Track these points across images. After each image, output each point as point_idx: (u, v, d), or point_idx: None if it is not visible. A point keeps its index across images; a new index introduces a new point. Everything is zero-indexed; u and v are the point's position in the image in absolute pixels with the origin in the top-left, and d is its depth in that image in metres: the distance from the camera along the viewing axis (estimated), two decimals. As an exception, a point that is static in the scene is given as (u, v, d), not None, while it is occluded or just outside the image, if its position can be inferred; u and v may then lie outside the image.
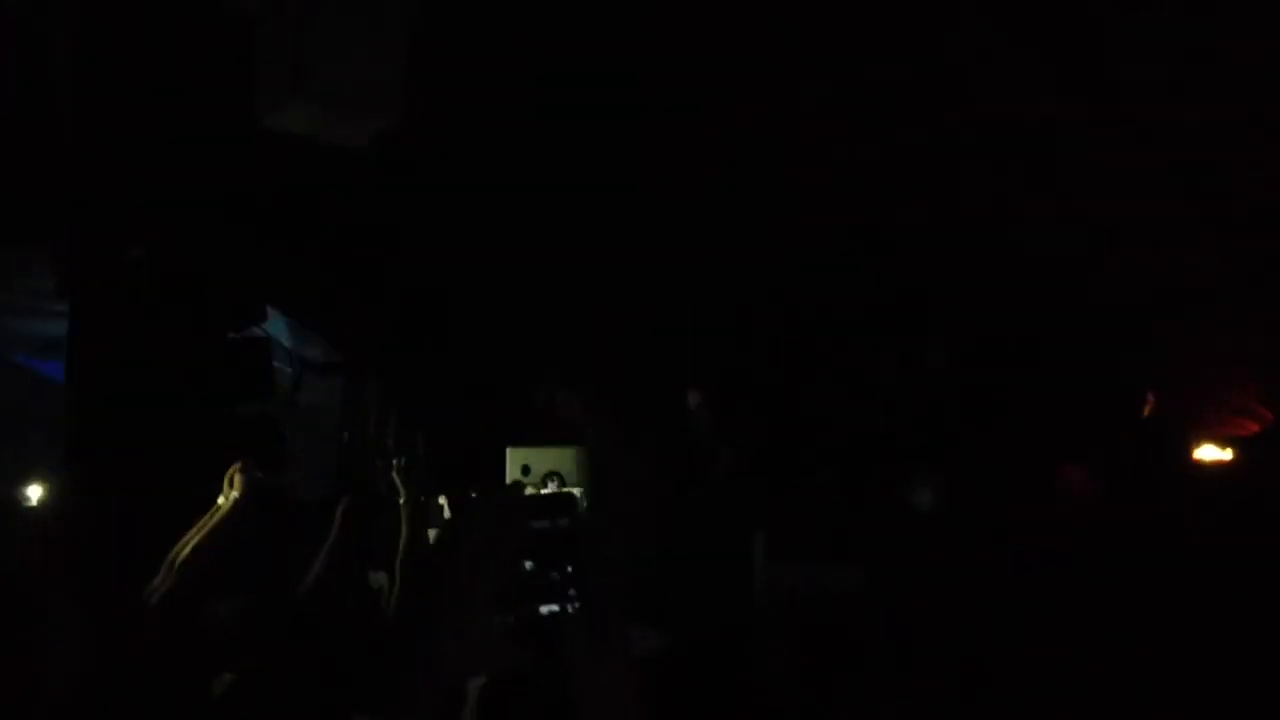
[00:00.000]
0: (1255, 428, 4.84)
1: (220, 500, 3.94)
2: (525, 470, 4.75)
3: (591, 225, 6.99)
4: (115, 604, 3.03)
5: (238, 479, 3.92)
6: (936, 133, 5.23)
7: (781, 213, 6.11)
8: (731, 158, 6.08)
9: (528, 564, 1.13)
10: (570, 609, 1.12)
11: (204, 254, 6.79)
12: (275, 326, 7.72)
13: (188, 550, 3.82)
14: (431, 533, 4.01)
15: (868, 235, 5.88)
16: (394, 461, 4.24)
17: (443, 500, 4.20)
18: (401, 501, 4.07)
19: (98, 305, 6.17)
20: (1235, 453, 4.77)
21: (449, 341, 8.28)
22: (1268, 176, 4.55)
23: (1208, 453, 5.12)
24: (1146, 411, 4.67)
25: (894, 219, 5.71)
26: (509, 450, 4.90)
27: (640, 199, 6.64)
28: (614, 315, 7.06)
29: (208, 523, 3.90)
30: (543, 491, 1.13)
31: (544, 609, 1.12)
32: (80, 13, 5.57)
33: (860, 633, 4.09)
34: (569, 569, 1.14)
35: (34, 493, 6.97)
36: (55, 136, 5.92)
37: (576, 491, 4.31)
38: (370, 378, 8.44)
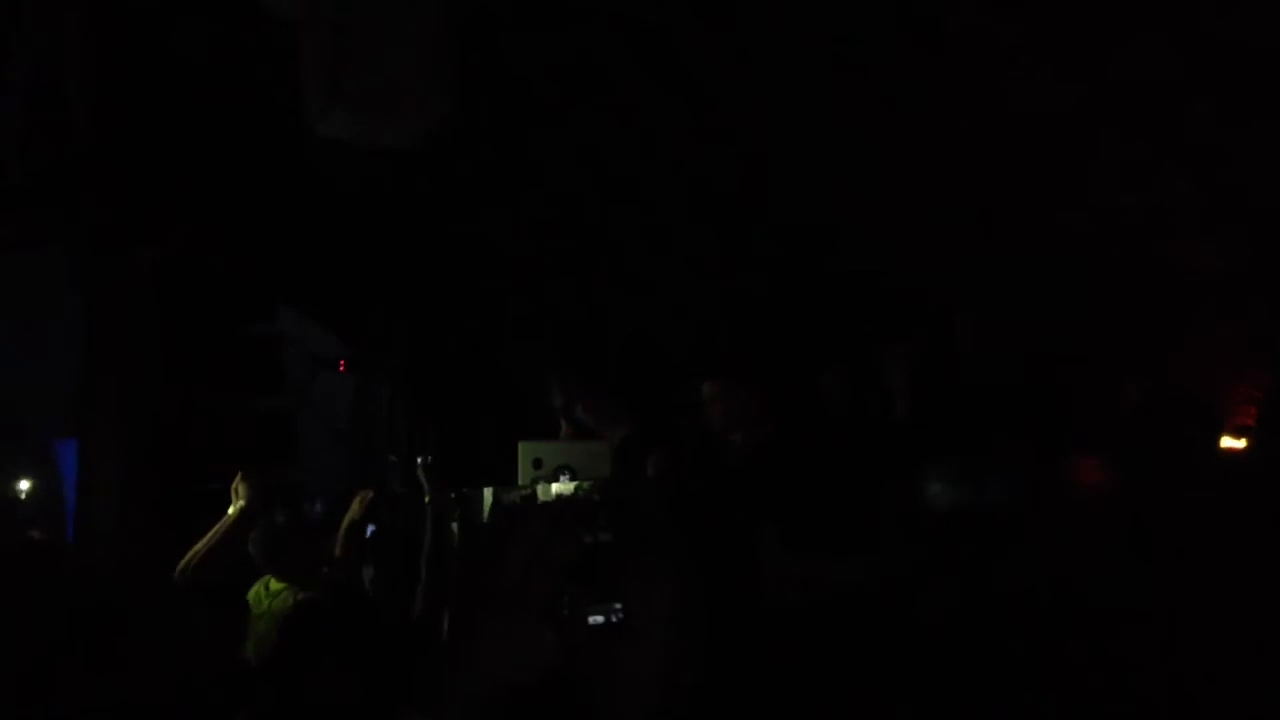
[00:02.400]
0: (1266, 417, 4.85)
1: (230, 510, 3.99)
2: (537, 464, 4.73)
3: (602, 219, 7.00)
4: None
5: (242, 487, 3.98)
6: (942, 123, 5.23)
7: (797, 201, 6.12)
8: (745, 149, 6.09)
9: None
10: (614, 619, 1.15)
11: (217, 252, 6.85)
12: (288, 322, 7.76)
13: (197, 559, 3.87)
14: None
15: (879, 226, 5.88)
16: (419, 460, 4.26)
17: (488, 492, 4.24)
18: (427, 499, 4.08)
19: (111, 303, 6.22)
20: (1248, 442, 4.77)
21: (462, 338, 8.31)
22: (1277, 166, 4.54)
23: (1222, 442, 5.11)
24: (1125, 400, 4.65)
25: (903, 210, 5.72)
26: (521, 444, 4.88)
27: (652, 194, 6.65)
28: (628, 306, 7.08)
29: (218, 531, 3.95)
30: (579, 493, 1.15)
31: (591, 619, 1.15)
32: (96, 18, 5.61)
33: (874, 626, 4.07)
34: (604, 580, 1.17)
35: (24, 485, 7.02)
36: (70, 137, 5.97)
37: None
38: (382, 374, 8.47)
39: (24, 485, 6.98)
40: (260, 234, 7.08)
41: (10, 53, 5.81)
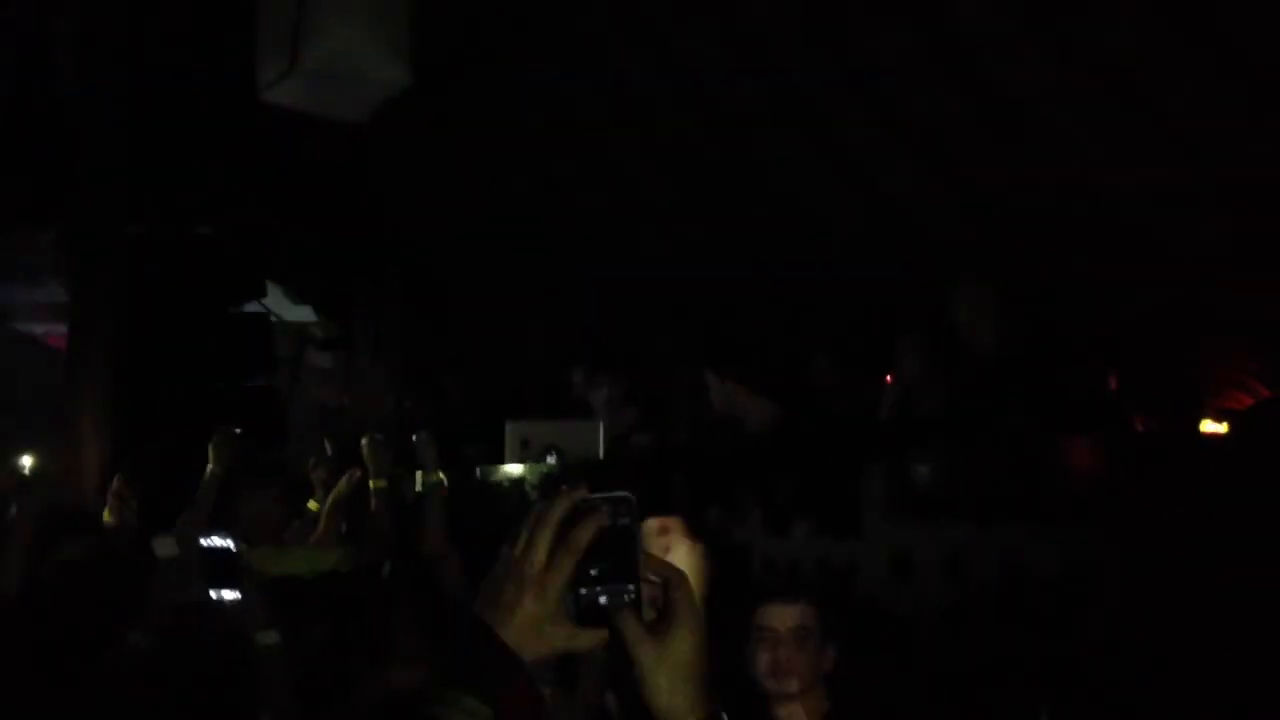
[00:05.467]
0: (1250, 401, 4.87)
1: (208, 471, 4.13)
2: (525, 444, 4.75)
3: (593, 199, 6.98)
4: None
5: (212, 450, 4.12)
6: (939, 105, 5.22)
7: (794, 191, 6.11)
8: (741, 131, 6.08)
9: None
10: (628, 598, 1.23)
11: (204, 230, 6.83)
12: (277, 301, 7.74)
13: (185, 521, 3.95)
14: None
15: (873, 215, 5.88)
16: (415, 436, 4.27)
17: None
18: (425, 476, 4.09)
19: (98, 281, 6.19)
20: (1232, 427, 4.79)
21: (448, 316, 8.30)
22: (1269, 149, 4.54)
23: (1207, 426, 5.13)
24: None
25: (898, 193, 5.71)
26: (508, 424, 4.89)
27: (646, 171, 6.63)
28: (620, 291, 7.06)
29: (201, 492, 4.09)
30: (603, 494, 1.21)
31: (602, 599, 1.24)
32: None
33: (861, 607, 4.10)
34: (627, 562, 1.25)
35: (27, 461, 7.06)
36: (57, 116, 5.93)
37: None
38: (370, 352, 8.46)
39: (26, 460, 7.06)
40: (248, 213, 7.07)
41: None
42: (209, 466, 4.12)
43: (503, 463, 4.93)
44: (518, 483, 4.76)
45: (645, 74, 6.12)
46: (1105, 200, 5.03)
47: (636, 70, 6.15)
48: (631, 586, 1.19)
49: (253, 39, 4.60)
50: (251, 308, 7.04)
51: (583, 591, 1.18)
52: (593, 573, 1.18)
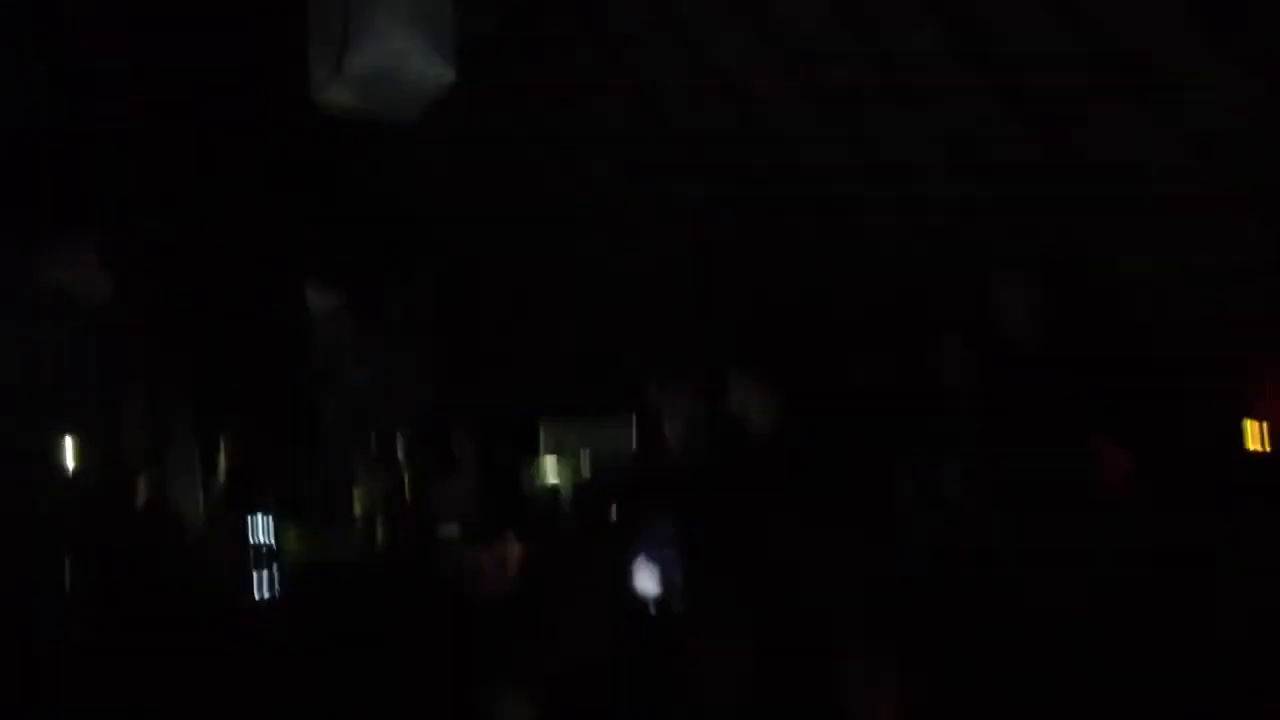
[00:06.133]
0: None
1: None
2: (558, 442, 4.78)
3: (626, 195, 7.01)
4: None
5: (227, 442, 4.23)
6: (973, 103, 5.22)
7: (827, 187, 6.12)
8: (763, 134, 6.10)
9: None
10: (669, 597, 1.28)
11: (240, 232, 6.91)
12: (314, 299, 7.81)
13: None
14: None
15: (908, 211, 5.88)
16: (449, 433, 4.32)
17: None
18: (460, 472, 4.14)
19: (137, 282, 6.28)
20: (1267, 432, 4.75)
21: (482, 313, 8.34)
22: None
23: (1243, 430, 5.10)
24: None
25: (934, 190, 5.70)
26: (542, 422, 4.93)
27: (678, 168, 6.65)
28: (651, 294, 7.09)
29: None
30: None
31: (641, 595, 1.28)
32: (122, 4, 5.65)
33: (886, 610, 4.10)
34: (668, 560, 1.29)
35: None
36: (98, 119, 6.01)
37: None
38: (403, 347, 8.53)
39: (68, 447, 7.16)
40: (280, 209, 7.14)
41: (39, 32, 5.87)
42: (223, 459, 4.20)
43: (536, 461, 4.97)
44: (550, 481, 4.79)
45: (678, 71, 6.15)
46: (1141, 201, 5.01)
47: (669, 67, 6.18)
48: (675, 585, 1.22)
49: (279, 36, 4.67)
50: (289, 309, 7.11)
51: (624, 593, 1.21)
52: (632, 573, 1.21)
